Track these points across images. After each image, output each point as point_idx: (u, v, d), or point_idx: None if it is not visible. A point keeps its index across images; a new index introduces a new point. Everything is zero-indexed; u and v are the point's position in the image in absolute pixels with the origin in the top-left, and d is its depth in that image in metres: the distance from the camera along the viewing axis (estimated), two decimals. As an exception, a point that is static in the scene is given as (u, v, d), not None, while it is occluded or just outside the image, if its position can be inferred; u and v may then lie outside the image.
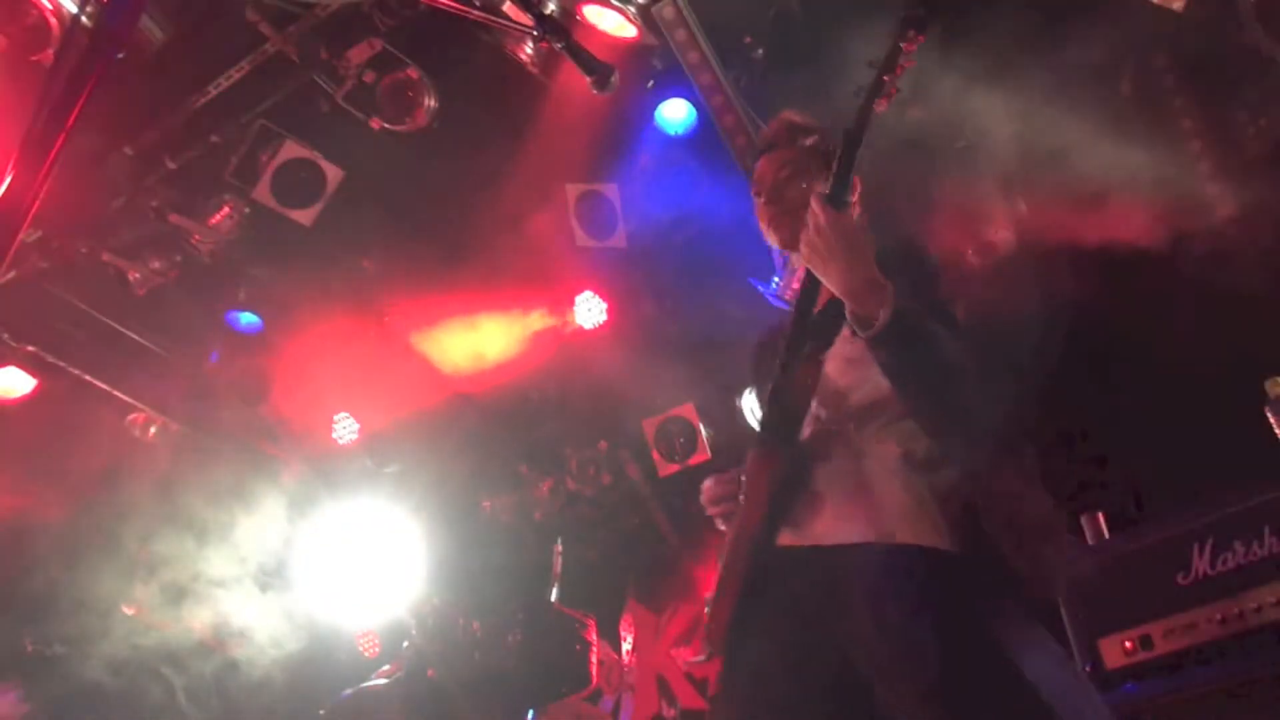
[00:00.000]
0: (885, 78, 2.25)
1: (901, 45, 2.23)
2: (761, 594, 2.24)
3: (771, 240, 2.64)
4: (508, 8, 3.99)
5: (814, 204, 2.19)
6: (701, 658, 2.39)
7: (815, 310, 2.30)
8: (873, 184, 4.69)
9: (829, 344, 2.31)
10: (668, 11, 4.22)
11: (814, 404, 2.31)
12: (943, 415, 2.14)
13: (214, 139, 4.89)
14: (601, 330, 5.50)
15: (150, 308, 5.55)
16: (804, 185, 2.53)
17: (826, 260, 2.14)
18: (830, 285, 2.16)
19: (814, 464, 2.26)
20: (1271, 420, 2.70)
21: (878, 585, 2.04)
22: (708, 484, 2.46)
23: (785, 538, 2.25)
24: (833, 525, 2.20)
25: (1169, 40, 4.21)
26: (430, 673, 4.98)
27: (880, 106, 2.28)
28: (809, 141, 2.64)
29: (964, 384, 2.09)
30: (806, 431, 2.32)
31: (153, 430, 6.08)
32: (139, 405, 5.98)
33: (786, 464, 2.26)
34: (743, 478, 2.33)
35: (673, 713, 5.68)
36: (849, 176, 2.26)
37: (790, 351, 2.26)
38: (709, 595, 2.42)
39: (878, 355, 2.10)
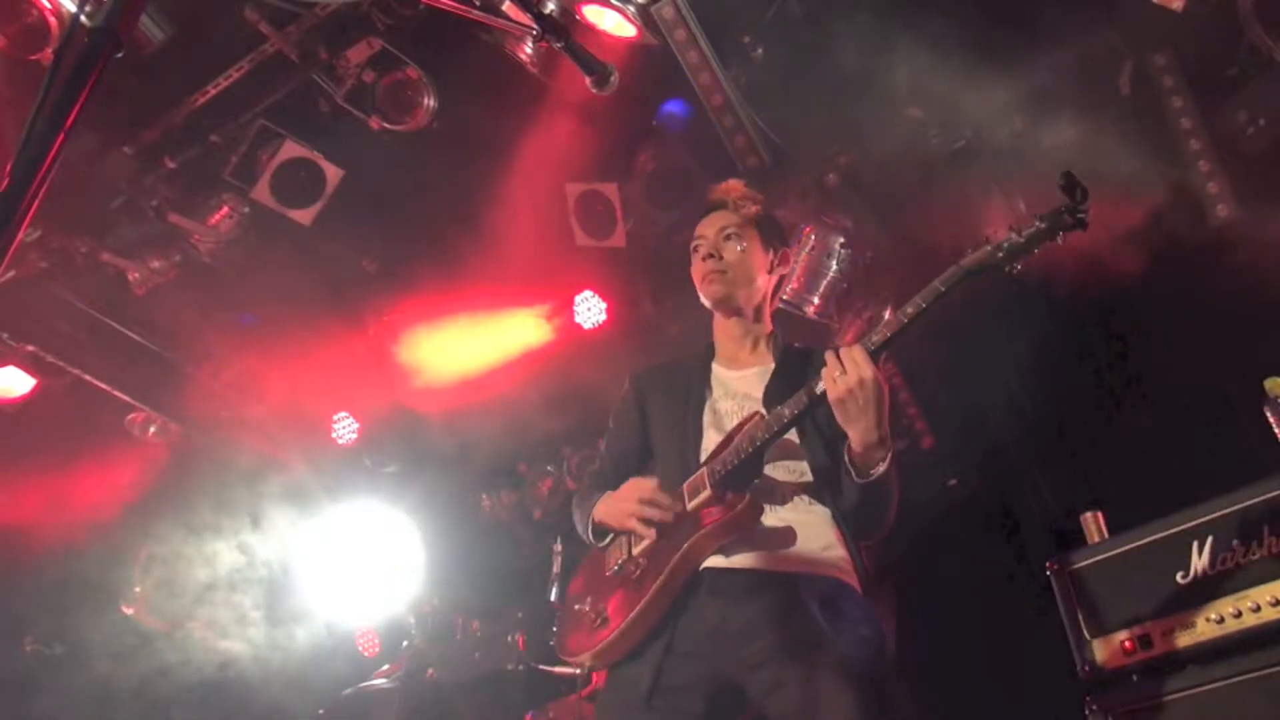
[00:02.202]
0: (1019, 262, 2.34)
1: (1046, 240, 2.30)
2: (676, 617, 2.48)
3: (706, 295, 2.84)
4: (507, 7, 3.99)
5: (860, 356, 2.32)
6: (583, 669, 2.51)
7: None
8: (873, 186, 4.70)
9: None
10: (667, 11, 4.22)
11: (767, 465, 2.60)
12: (873, 531, 2.57)
13: (213, 138, 4.90)
14: (601, 330, 5.50)
15: (150, 307, 5.55)
16: (740, 248, 2.80)
17: (862, 412, 2.29)
18: (852, 431, 2.33)
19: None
20: (1271, 420, 2.69)
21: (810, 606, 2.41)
22: (654, 488, 2.58)
23: (713, 561, 2.50)
24: (765, 557, 2.48)
25: (1169, 40, 4.21)
26: (430, 673, 4.98)
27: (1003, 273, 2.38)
28: (752, 210, 2.86)
29: (890, 510, 2.51)
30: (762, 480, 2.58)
31: (152, 430, 6.08)
32: (138, 405, 5.98)
33: (755, 512, 2.49)
34: (694, 507, 2.52)
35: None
36: (902, 336, 2.37)
37: (765, 442, 2.50)
38: (609, 610, 2.56)
39: (853, 490, 2.42)
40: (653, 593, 2.48)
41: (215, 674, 5.97)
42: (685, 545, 2.49)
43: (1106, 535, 2.83)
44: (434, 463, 6.28)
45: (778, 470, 2.60)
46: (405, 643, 5.19)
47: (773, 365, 2.77)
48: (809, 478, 2.59)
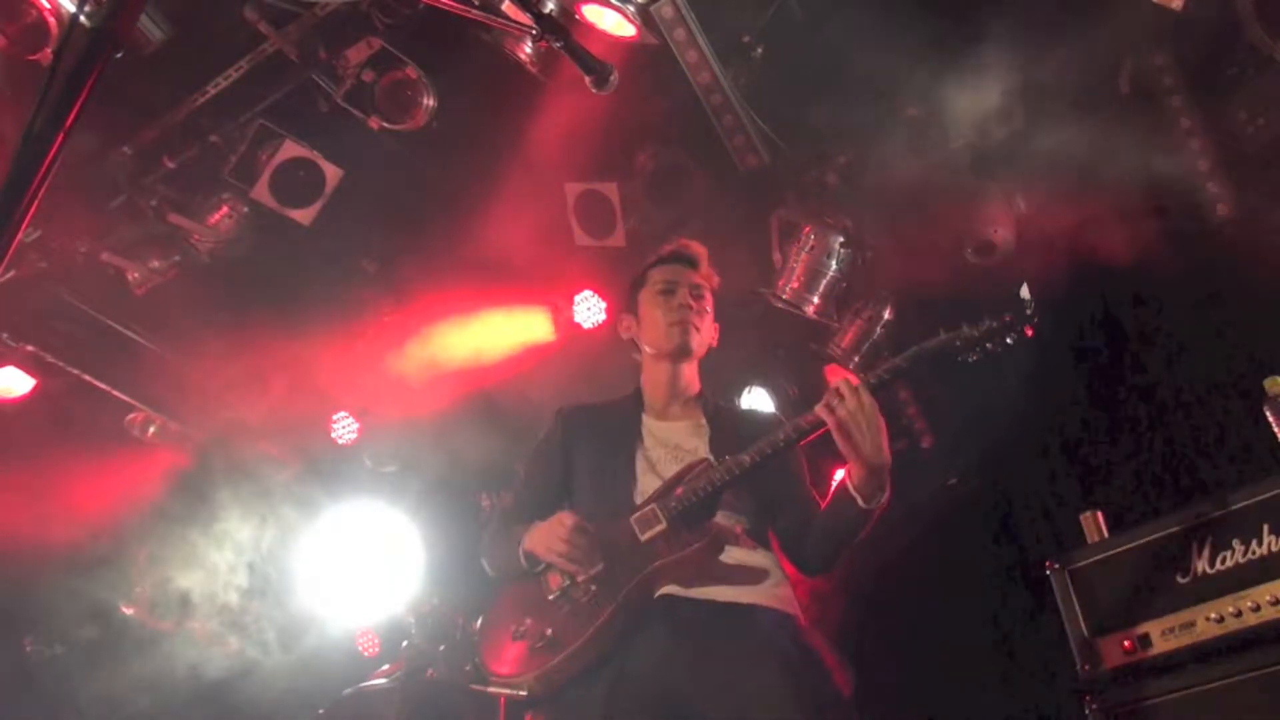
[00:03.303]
0: (973, 354, 2.58)
1: (993, 342, 2.55)
2: (630, 641, 2.56)
3: (670, 339, 2.94)
4: (506, 7, 3.99)
5: (856, 382, 2.48)
6: (521, 693, 2.56)
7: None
8: (873, 186, 4.70)
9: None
10: (666, 10, 4.22)
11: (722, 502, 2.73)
12: (830, 564, 2.73)
13: (213, 138, 4.89)
14: (601, 329, 5.50)
15: (150, 307, 5.55)
16: (708, 311, 3.01)
17: (865, 434, 2.44)
18: (855, 455, 2.47)
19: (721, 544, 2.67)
20: (1271, 420, 2.69)
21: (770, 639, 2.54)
22: (576, 526, 2.65)
23: (670, 589, 2.60)
24: (723, 589, 2.60)
25: (1168, 38, 4.21)
26: (430, 673, 4.97)
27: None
28: (715, 280, 3.07)
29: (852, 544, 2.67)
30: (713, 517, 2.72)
31: (151, 430, 6.08)
32: (138, 405, 5.98)
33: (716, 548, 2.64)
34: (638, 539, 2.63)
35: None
36: (895, 379, 2.58)
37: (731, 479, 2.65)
38: (555, 633, 2.60)
39: (850, 517, 2.55)
40: (607, 617, 2.56)
41: (215, 674, 5.97)
42: (642, 573, 2.59)
43: (1106, 535, 2.83)
44: (433, 462, 6.28)
45: (719, 518, 2.72)
46: (405, 643, 5.19)
47: (703, 420, 2.92)
48: (749, 525, 2.75)
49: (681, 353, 2.94)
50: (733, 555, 2.68)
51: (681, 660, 2.49)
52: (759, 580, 2.67)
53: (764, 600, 2.64)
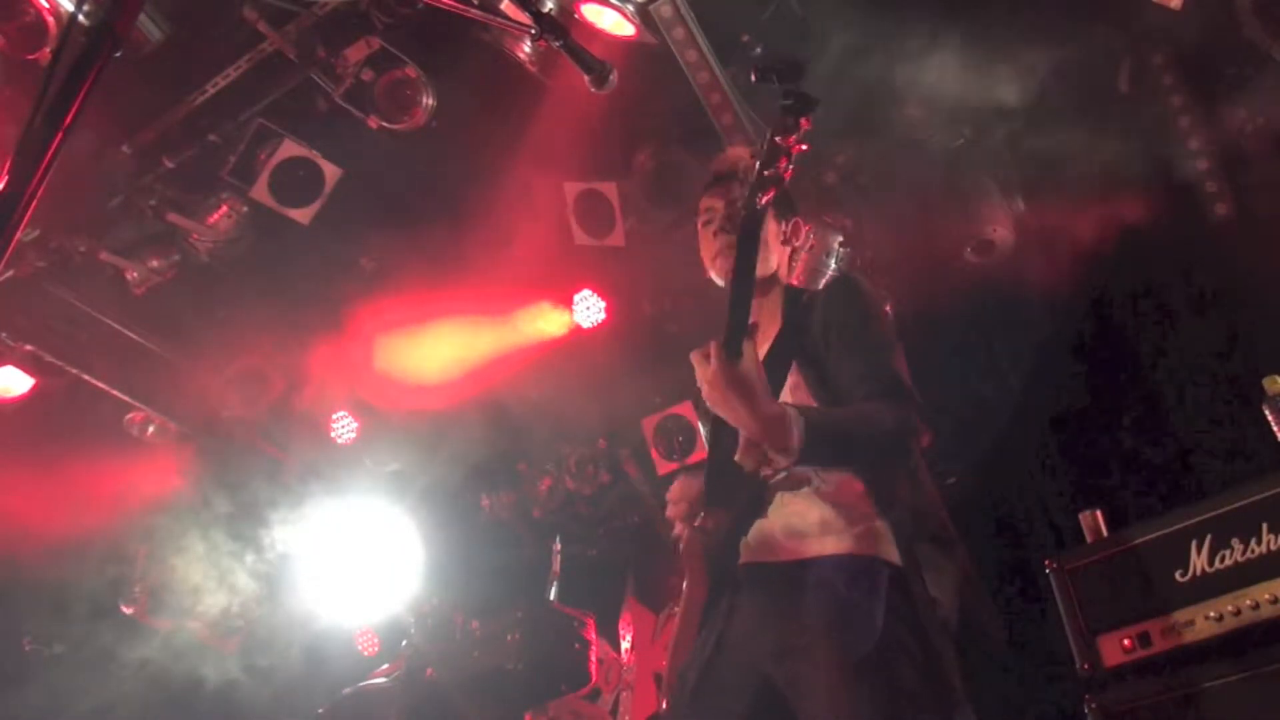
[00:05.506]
0: (767, 173, 2.29)
1: (778, 141, 2.25)
2: (710, 623, 2.41)
3: (715, 271, 2.70)
4: (505, 6, 3.99)
5: (697, 359, 2.23)
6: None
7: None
8: (872, 185, 4.69)
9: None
10: (665, 10, 4.21)
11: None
12: (866, 465, 2.50)
13: (212, 138, 4.89)
14: (600, 328, 5.50)
15: (149, 307, 5.55)
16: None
17: (725, 408, 2.20)
18: (737, 427, 2.24)
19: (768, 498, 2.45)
20: (1271, 419, 2.70)
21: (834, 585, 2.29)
22: (680, 483, 2.55)
23: (745, 556, 2.43)
24: (791, 544, 2.40)
25: (1167, 37, 4.21)
26: (429, 672, 4.98)
27: (761, 200, 2.32)
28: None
29: (876, 443, 2.45)
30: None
31: (151, 429, 6.08)
32: (138, 405, 5.98)
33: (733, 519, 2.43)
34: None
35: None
36: (743, 326, 2.27)
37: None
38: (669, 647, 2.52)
39: (806, 464, 2.32)
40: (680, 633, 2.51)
41: (215, 673, 5.97)
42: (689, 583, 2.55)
43: (1106, 534, 2.83)
44: (433, 462, 6.28)
45: None
46: (405, 642, 5.20)
47: (777, 326, 2.66)
48: None
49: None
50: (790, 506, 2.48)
51: (744, 628, 2.40)
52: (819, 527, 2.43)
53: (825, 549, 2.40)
